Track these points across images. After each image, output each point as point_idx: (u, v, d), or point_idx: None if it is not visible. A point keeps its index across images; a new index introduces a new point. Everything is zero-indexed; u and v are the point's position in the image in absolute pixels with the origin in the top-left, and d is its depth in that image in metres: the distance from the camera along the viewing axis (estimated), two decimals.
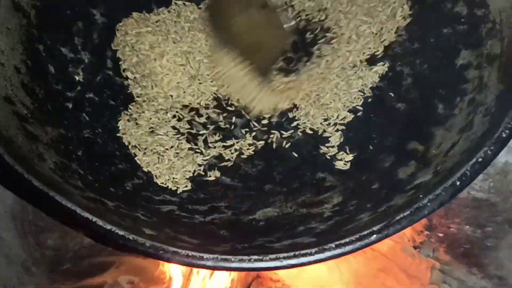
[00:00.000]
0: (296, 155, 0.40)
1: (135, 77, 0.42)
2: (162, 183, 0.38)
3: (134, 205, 0.35)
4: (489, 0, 0.36)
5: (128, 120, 0.41)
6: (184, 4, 0.44)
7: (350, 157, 0.39)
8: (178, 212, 0.36)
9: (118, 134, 0.40)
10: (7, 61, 0.36)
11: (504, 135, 0.29)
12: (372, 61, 0.41)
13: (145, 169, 0.39)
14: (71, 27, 0.41)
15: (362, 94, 0.40)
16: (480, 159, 0.29)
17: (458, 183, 0.29)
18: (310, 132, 0.41)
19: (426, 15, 0.40)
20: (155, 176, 0.39)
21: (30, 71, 0.37)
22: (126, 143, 0.40)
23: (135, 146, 0.40)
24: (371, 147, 0.38)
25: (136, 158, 0.39)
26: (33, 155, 0.33)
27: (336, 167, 0.38)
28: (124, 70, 0.42)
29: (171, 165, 0.39)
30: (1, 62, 0.35)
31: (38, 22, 0.38)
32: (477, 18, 0.36)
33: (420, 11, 0.40)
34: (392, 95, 0.40)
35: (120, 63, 0.42)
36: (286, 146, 0.40)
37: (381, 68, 0.41)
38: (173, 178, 0.39)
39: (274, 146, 0.40)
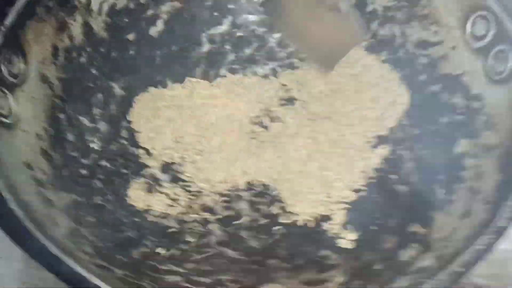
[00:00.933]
0: (299, 230, 0.41)
1: (148, 148, 0.44)
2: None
3: (141, 274, 0.35)
4: (484, 94, 0.38)
5: (138, 189, 0.42)
6: (197, 81, 0.47)
7: (353, 235, 0.40)
8: (183, 284, 0.36)
9: (128, 201, 0.41)
10: (30, 128, 0.38)
11: (502, 225, 0.30)
12: (374, 143, 0.43)
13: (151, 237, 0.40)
14: (91, 98, 0.43)
15: (365, 174, 0.42)
16: (479, 247, 0.30)
17: (458, 270, 0.30)
18: None
19: (426, 103, 0.42)
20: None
21: (50, 138, 0.39)
22: (135, 211, 0.41)
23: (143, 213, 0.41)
24: (374, 227, 0.39)
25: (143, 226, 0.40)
26: (47, 220, 0.34)
27: (339, 245, 0.39)
28: (138, 141, 0.44)
29: None
30: (24, 129, 0.37)
31: (61, 93, 0.41)
32: (473, 110, 0.38)
33: (420, 99, 0.43)
34: (394, 177, 0.41)
35: (134, 134, 0.44)
36: None
37: (383, 151, 0.43)
38: None
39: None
